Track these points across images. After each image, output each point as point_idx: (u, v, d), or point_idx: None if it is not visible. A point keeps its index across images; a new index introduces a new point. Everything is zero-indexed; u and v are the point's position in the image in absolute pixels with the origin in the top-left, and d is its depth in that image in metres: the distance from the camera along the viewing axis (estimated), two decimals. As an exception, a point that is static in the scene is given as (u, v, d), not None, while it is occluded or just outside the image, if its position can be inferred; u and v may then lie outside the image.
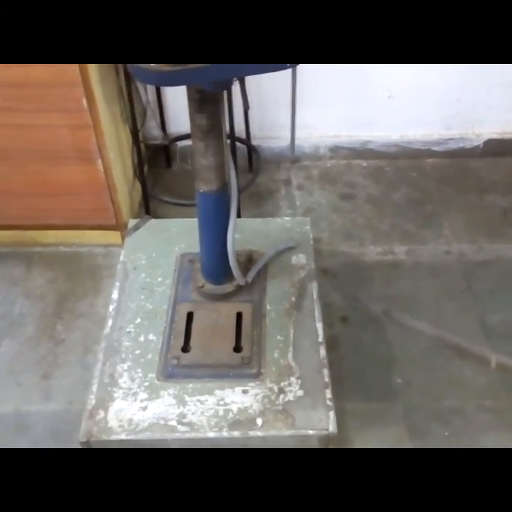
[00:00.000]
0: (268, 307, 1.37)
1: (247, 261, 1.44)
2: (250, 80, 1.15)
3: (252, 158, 2.13)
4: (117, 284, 1.43)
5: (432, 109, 2.10)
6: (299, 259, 1.49)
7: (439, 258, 1.78)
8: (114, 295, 1.40)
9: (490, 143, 2.16)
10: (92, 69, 1.47)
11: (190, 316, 1.33)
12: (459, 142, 2.17)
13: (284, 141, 2.14)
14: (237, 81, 1.10)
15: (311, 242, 1.55)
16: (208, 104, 1.08)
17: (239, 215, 1.54)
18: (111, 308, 1.37)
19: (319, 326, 1.33)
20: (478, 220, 1.92)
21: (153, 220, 1.62)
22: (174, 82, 0.95)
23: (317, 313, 1.36)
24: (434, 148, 2.18)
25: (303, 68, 1.92)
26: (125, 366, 1.25)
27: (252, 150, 2.11)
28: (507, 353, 1.49)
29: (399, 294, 1.67)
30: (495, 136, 2.16)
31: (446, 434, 1.34)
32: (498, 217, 1.93)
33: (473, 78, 2.00)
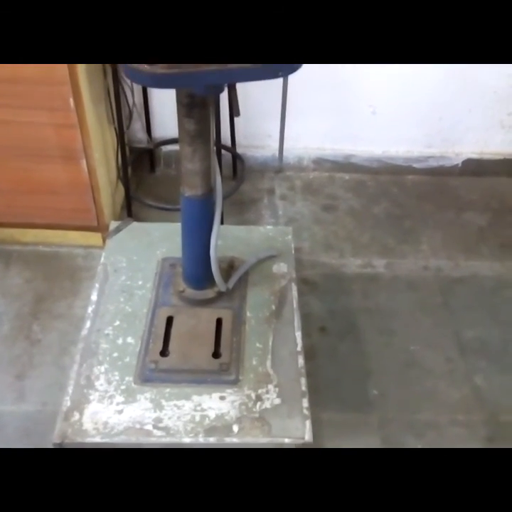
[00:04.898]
0: (248, 314, 1.37)
1: (229, 267, 1.45)
2: (238, 89, 1.16)
3: (236, 166, 2.13)
4: (97, 285, 1.41)
5: (414, 126, 2.14)
6: (280, 267, 1.50)
7: (416, 273, 1.81)
8: (93, 297, 1.39)
9: (468, 162, 2.21)
10: (81, 69, 1.46)
11: (169, 321, 1.33)
12: (439, 160, 2.21)
13: (268, 151, 2.16)
14: (227, 88, 1.11)
15: (293, 251, 1.56)
16: (196, 108, 1.09)
17: (222, 222, 1.55)
18: (89, 309, 1.36)
19: (298, 335, 1.34)
20: (455, 237, 1.95)
21: (135, 223, 1.61)
22: (168, 85, 0.96)
23: (296, 322, 1.36)
24: (415, 165, 2.22)
25: (290, 81, 1.96)
26: (102, 369, 1.23)
27: (236, 158, 2.12)
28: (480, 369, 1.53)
29: (376, 306, 1.69)
30: (473, 156, 2.21)
31: (420, 446, 1.36)
32: (474, 235, 1.97)
33: (455, 98, 2.05)
